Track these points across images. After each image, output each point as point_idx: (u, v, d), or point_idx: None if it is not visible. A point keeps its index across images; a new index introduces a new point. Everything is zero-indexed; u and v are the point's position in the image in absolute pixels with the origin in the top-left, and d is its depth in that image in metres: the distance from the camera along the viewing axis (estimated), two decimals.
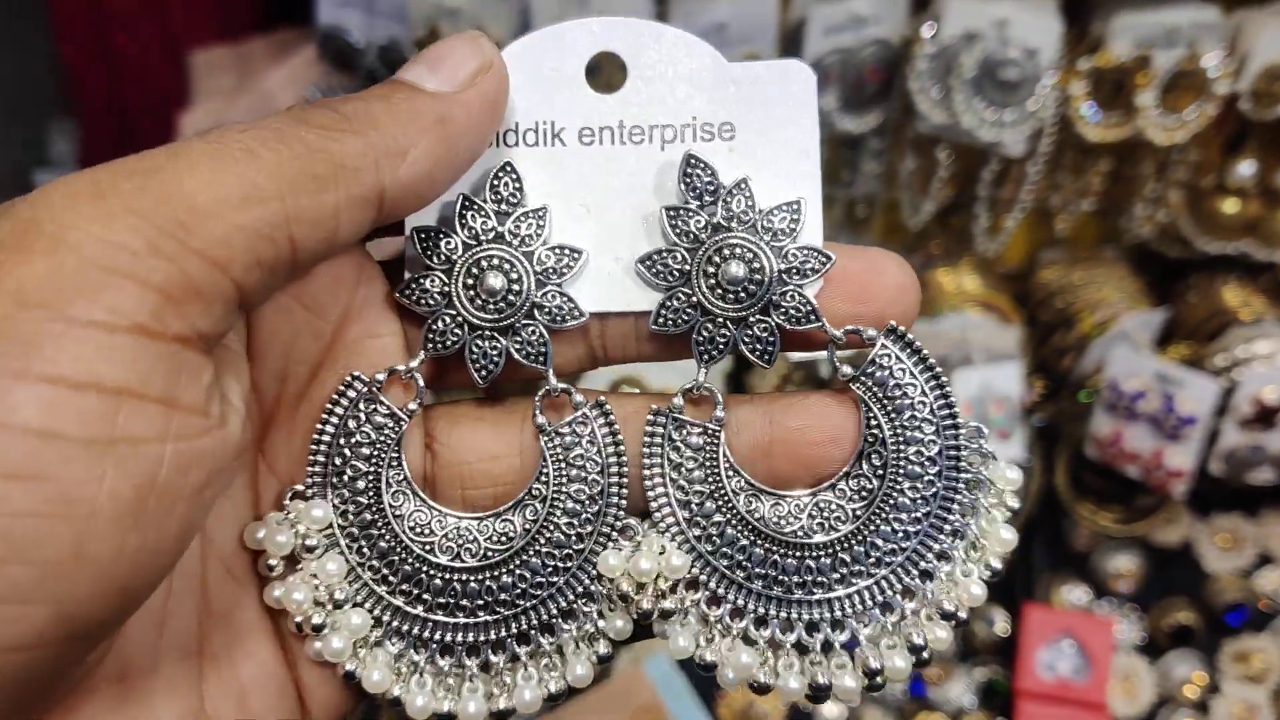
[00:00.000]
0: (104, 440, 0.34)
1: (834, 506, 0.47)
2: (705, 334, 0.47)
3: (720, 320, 0.47)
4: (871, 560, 0.46)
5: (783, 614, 0.46)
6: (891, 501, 0.46)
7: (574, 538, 0.47)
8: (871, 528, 0.46)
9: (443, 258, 0.47)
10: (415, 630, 0.47)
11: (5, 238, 0.35)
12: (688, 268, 0.47)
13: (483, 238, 0.47)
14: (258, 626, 0.46)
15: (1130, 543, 1.33)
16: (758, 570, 0.46)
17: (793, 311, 0.47)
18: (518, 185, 0.47)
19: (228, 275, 0.37)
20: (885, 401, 0.47)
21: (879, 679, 0.46)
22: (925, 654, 0.46)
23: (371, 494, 0.47)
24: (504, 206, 0.47)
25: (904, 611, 0.46)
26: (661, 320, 0.47)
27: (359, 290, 0.47)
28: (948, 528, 0.46)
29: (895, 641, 0.46)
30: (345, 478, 0.47)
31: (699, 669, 0.46)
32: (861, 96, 1.13)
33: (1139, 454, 1.18)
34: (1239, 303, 1.23)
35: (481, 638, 0.47)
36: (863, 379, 0.47)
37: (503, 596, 0.47)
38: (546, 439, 0.47)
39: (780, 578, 0.46)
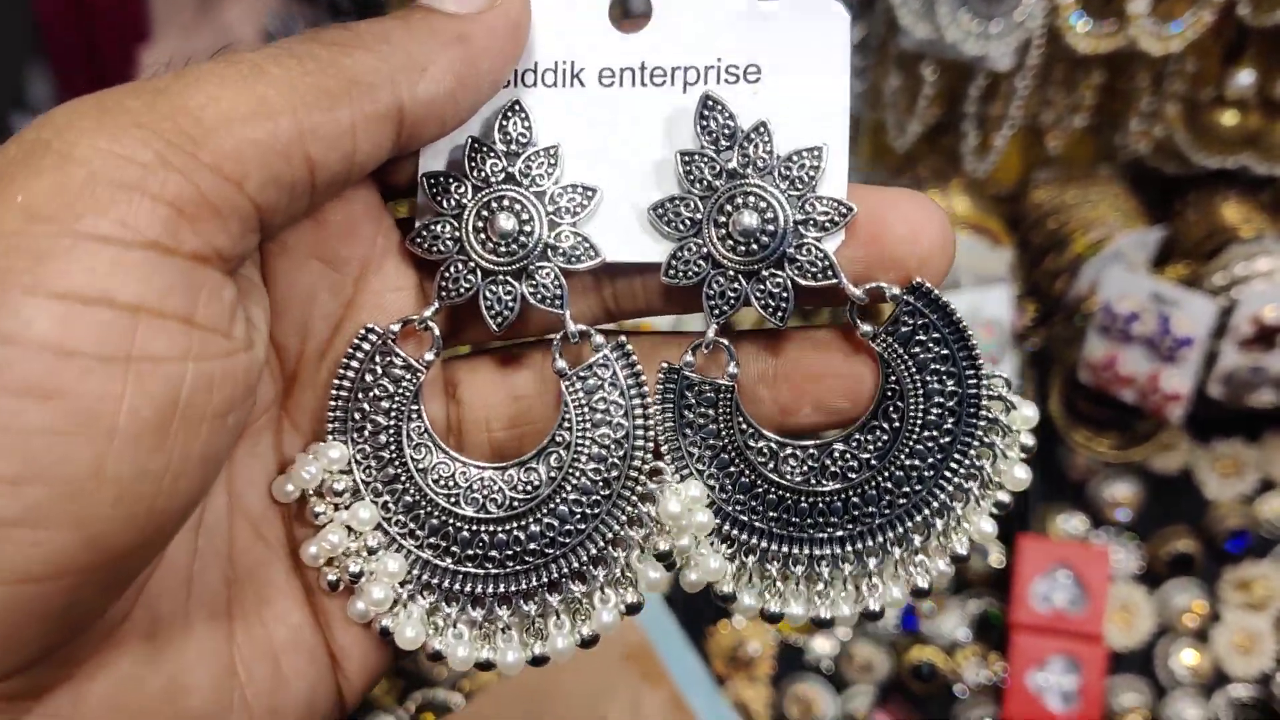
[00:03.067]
0: (121, 357, 0.34)
1: (847, 456, 0.46)
2: (716, 287, 0.46)
3: (732, 273, 0.46)
4: (884, 503, 0.46)
5: (794, 550, 0.46)
6: (906, 450, 0.46)
7: (600, 484, 0.46)
8: (885, 474, 0.46)
9: (453, 203, 0.46)
10: (446, 583, 0.46)
11: (13, 157, 0.35)
12: (699, 216, 0.46)
13: (493, 180, 0.46)
14: (287, 589, 0.46)
15: (1127, 470, 1.30)
16: (770, 514, 0.46)
17: (808, 266, 0.45)
18: (527, 124, 0.46)
19: (243, 191, 0.37)
20: (907, 357, 0.45)
21: (877, 609, 0.47)
22: (928, 589, 0.46)
23: (393, 448, 0.47)
24: (514, 146, 0.46)
25: (915, 547, 0.46)
26: (672, 272, 0.46)
27: (376, 241, 0.46)
28: (962, 470, 0.45)
29: (901, 576, 0.46)
30: (366, 431, 0.47)
31: (717, 599, 0.47)
32: None
33: (1134, 378, 1.14)
34: (1240, 219, 1.18)
35: (513, 588, 0.46)
36: (884, 336, 0.45)
37: (531, 546, 0.46)
38: (567, 383, 0.46)
39: (792, 520, 0.46)
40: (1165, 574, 1.28)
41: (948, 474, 0.45)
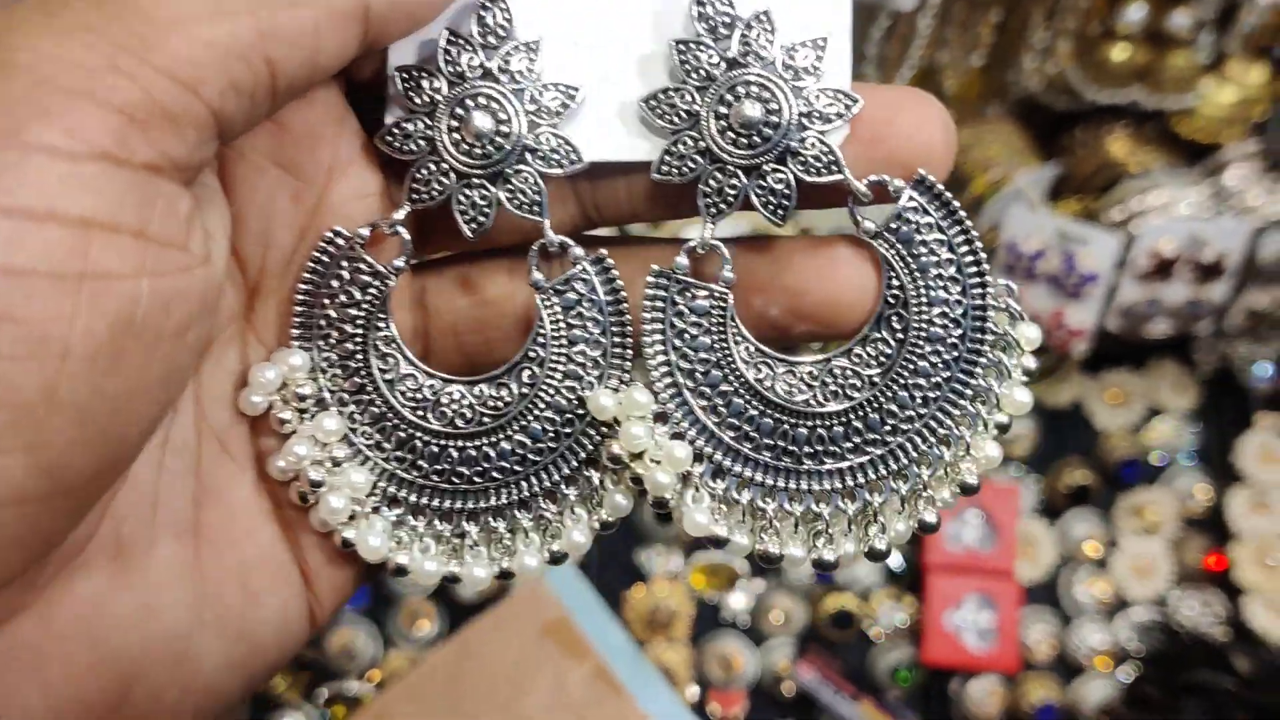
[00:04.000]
0: (73, 275, 0.32)
1: (849, 373, 0.44)
2: (713, 184, 0.43)
3: (730, 169, 0.43)
4: (887, 428, 0.44)
5: (791, 484, 0.44)
6: (911, 366, 0.43)
7: (575, 402, 0.44)
8: (888, 394, 0.44)
9: (426, 99, 0.43)
10: (413, 497, 0.45)
11: None
12: (697, 108, 0.43)
13: (469, 75, 0.43)
14: (255, 506, 0.45)
15: None
16: (766, 441, 0.44)
17: (812, 161, 0.43)
18: (507, 17, 0.43)
19: (199, 97, 0.35)
20: (910, 260, 0.43)
21: (883, 548, 0.44)
22: (936, 524, 0.44)
23: (359, 357, 0.45)
24: (491, 40, 0.43)
25: (919, 481, 0.44)
26: (665, 168, 0.43)
27: (340, 146, 0.44)
28: (970, 391, 0.43)
29: (908, 511, 0.44)
30: (331, 339, 0.45)
31: (711, 544, 0.44)
32: None
33: (1038, 315, 1.15)
34: (1126, 154, 1.20)
35: (482, 504, 0.45)
36: (886, 235, 0.43)
37: (501, 464, 0.45)
38: (543, 296, 0.44)
39: (790, 448, 0.44)
40: (1064, 506, 1.31)
41: (953, 394, 0.43)
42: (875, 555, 0.44)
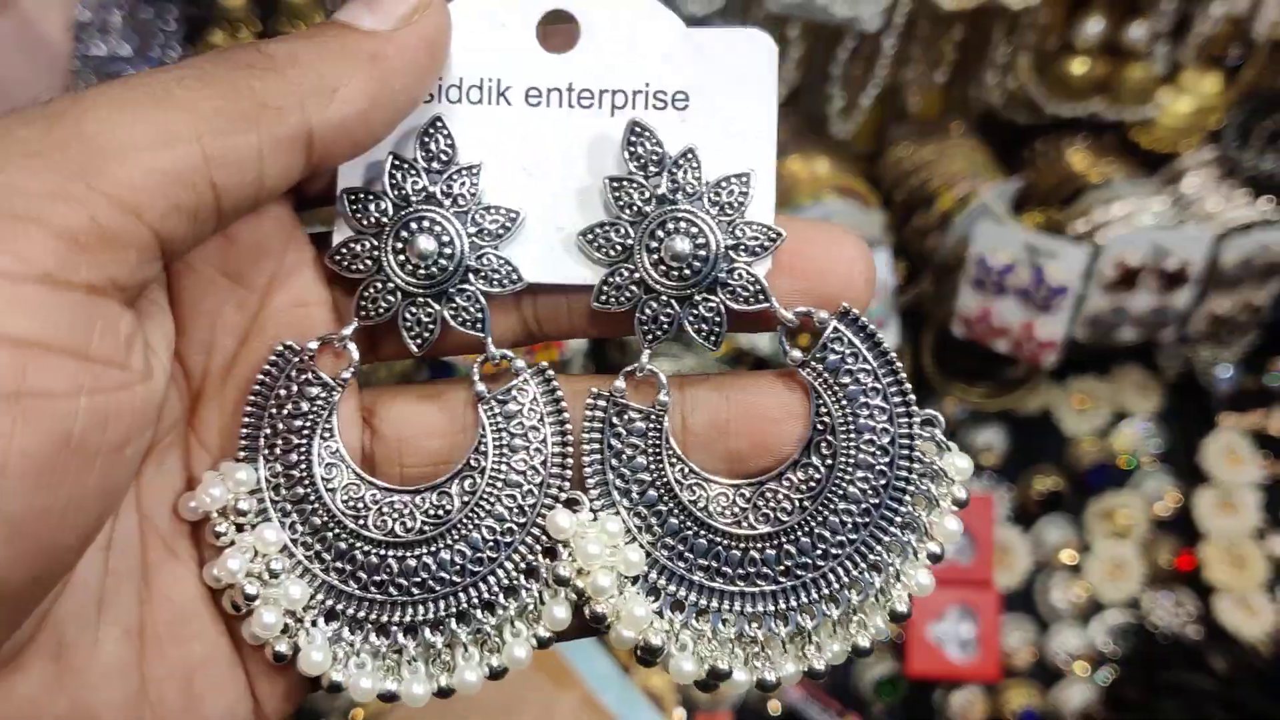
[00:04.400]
0: (10, 394, 0.33)
1: (780, 497, 0.45)
2: (649, 312, 0.45)
3: (665, 299, 0.45)
4: (818, 552, 0.45)
5: (725, 605, 0.45)
6: (840, 492, 0.45)
7: (515, 510, 0.45)
8: (819, 519, 0.45)
9: (373, 220, 0.45)
10: (350, 610, 0.45)
11: None
12: (630, 242, 0.45)
13: (413, 198, 0.45)
14: (202, 608, 0.44)
15: (991, 416, 1.34)
16: (700, 561, 0.45)
17: (740, 290, 0.45)
18: (449, 142, 0.45)
19: (142, 221, 0.35)
20: (836, 388, 0.45)
21: (821, 669, 0.45)
22: (870, 649, 0.45)
23: (303, 466, 0.45)
24: (435, 165, 0.45)
25: (850, 606, 0.44)
26: (604, 298, 0.45)
27: (286, 257, 0.44)
28: (899, 519, 0.44)
29: (841, 634, 0.45)
30: (277, 450, 0.45)
31: (642, 654, 0.44)
32: None
33: (1008, 328, 1.16)
34: (1086, 165, 1.22)
35: (420, 616, 0.45)
36: (813, 364, 0.45)
37: (440, 574, 0.45)
38: (486, 407, 0.45)
39: (723, 569, 0.45)
40: (1037, 513, 1.33)
41: (883, 521, 0.44)
42: (815, 675, 0.44)
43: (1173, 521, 1.34)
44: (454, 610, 0.45)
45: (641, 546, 0.45)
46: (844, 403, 0.45)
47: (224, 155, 0.37)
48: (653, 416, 0.45)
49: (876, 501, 0.44)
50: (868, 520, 0.44)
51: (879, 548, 0.44)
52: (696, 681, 0.44)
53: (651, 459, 0.45)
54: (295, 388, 0.45)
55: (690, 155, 0.45)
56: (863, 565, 0.44)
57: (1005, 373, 1.29)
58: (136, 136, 0.35)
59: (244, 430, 0.45)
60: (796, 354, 0.45)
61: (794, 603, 0.44)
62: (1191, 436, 1.34)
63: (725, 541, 0.45)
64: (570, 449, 0.45)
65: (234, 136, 0.37)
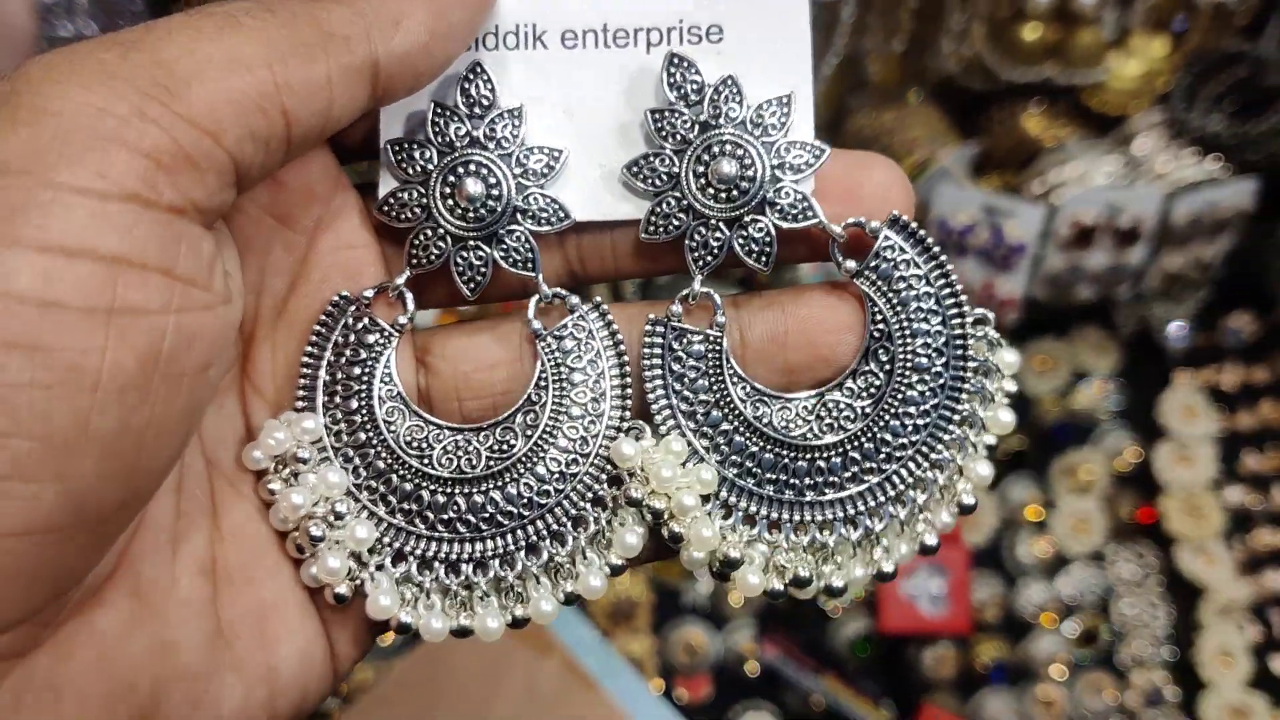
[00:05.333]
0: (104, 309, 0.34)
1: (842, 406, 0.46)
2: (698, 238, 0.46)
3: (714, 222, 0.46)
4: (882, 456, 0.45)
5: (795, 516, 0.45)
6: (900, 396, 0.45)
7: (579, 442, 0.45)
8: (881, 424, 0.46)
9: (418, 169, 0.45)
10: (420, 550, 0.45)
11: None
12: (676, 170, 0.46)
13: (457, 144, 0.45)
14: (272, 548, 0.45)
15: None
16: (768, 475, 0.45)
17: (789, 208, 0.45)
18: (490, 86, 0.46)
19: (220, 144, 0.36)
20: (890, 295, 0.46)
21: (890, 570, 0.46)
22: (936, 546, 0.46)
23: (365, 412, 0.46)
24: (477, 109, 0.46)
25: (916, 505, 0.45)
26: (652, 227, 0.46)
27: (333, 201, 0.45)
28: (957, 417, 0.45)
29: (908, 534, 0.46)
30: (337, 397, 0.46)
31: (720, 569, 0.45)
32: None
33: (969, 288, 1.19)
34: (1040, 129, 1.25)
35: (490, 551, 0.45)
36: (867, 273, 0.46)
37: (508, 509, 0.45)
38: (543, 344, 0.46)
39: (791, 481, 0.45)
40: (1002, 472, 1.36)
41: (941, 420, 0.45)
42: (883, 577, 0.45)
43: (1133, 476, 1.37)
44: (523, 543, 0.45)
45: (710, 465, 0.45)
46: (899, 308, 0.45)
47: (294, 83, 0.38)
48: (711, 338, 0.46)
49: (935, 402, 0.45)
50: (928, 421, 0.45)
51: (939, 446, 0.45)
52: (768, 591, 0.45)
53: (714, 379, 0.46)
54: (353, 336, 0.46)
55: (730, 81, 0.46)
56: (925, 465, 0.45)
57: None
58: (213, 61, 0.36)
59: (302, 379, 0.45)
60: (851, 264, 0.46)
61: (861, 507, 0.45)
62: (1149, 393, 1.38)
63: (792, 454, 0.45)
64: (629, 379, 0.46)
65: (304, 64, 0.38)
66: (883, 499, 0.45)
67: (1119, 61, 1.22)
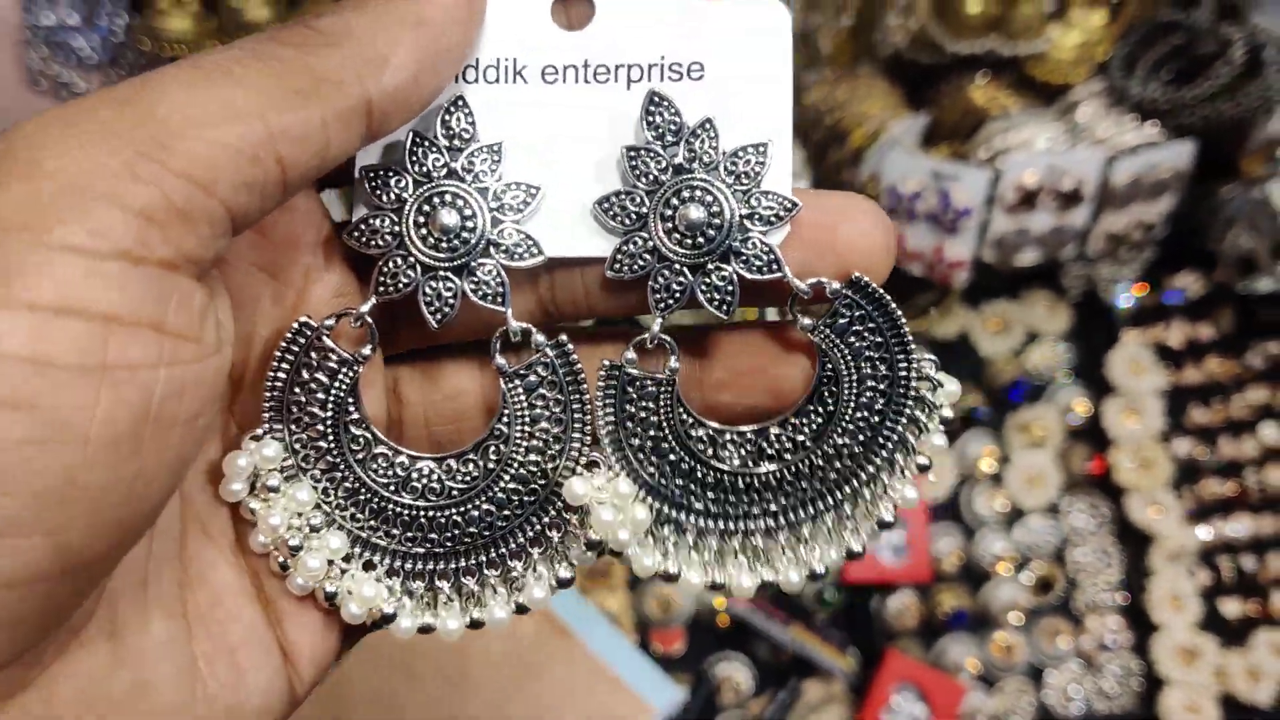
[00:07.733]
0: (96, 366, 0.34)
1: (783, 439, 0.47)
2: (661, 281, 0.46)
3: (677, 267, 0.46)
4: (817, 478, 0.47)
5: (729, 525, 0.47)
6: (840, 429, 0.47)
7: (539, 474, 0.47)
8: (818, 453, 0.47)
9: (393, 197, 0.45)
10: (388, 561, 0.47)
11: None
12: (645, 210, 0.46)
13: (434, 174, 0.46)
14: (237, 588, 0.46)
15: (915, 340, 1.42)
16: (709, 495, 0.47)
17: (754, 260, 0.46)
18: (470, 120, 0.46)
19: (214, 196, 0.37)
20: (843, 348, 0.46)
21: (825, 569, 0.48)
22: (862, 551, 0.48)
23: (331, 439, 0.46)
24: (456, 142, 0.46)
25: (844, 515, 0.47)
26: (618, 265, 0.46)
27: (319, 250, 0.46)
28: (890, 444, 0.47)
29: (834, 539, 0.47)
30: (303, 424, 0.46)
31: (663, 578, 0.48)
32: None
33: (921, 252, 1.25)
34: (987, 100, 1.30)
35: (453, 565, 0.47)
36: (822, 329, 0.46)
37: (470, 529, 0.47)
38: (507, 381, 0.47)
39: (729, 499, 0.47)
40: (959, 430, 1.42)
41: (877, 448, 0.47)
42: (814, 576, 0.47)
43: (1085, 430, 1.43)
44: (484, 559, 0.47)
45: (655, 488, 0.47)
46: (849, 357, 0.46)
47: (289, 130, 0.38)
48: (664, 382, 0.47)
49: (872, 434, 0.46)
50: (863, 449, 0.46)
51: (871, 468, 0.46)
52: (709, 585, 0.47)
53: (665, 418, 0.47)
54: (315, 364, 0.46)
55: (708, 125, 0.46)
56: (855, 482, 0.47)
57: (916, 297, 1.37)
58: (206, 114, 0.36)
59: (267, 405, 0.46)
60: (807, 321, 0.46)
61: (793, 517, 0.47)
62: (1098, 351, 1.44)
63: (731, 478, 0.47)
64: (589, 415, 0.47)
65: (298, 111, 0.38)
66: (813, 510, 0.47)
67: (1059, 32, 1.28)
